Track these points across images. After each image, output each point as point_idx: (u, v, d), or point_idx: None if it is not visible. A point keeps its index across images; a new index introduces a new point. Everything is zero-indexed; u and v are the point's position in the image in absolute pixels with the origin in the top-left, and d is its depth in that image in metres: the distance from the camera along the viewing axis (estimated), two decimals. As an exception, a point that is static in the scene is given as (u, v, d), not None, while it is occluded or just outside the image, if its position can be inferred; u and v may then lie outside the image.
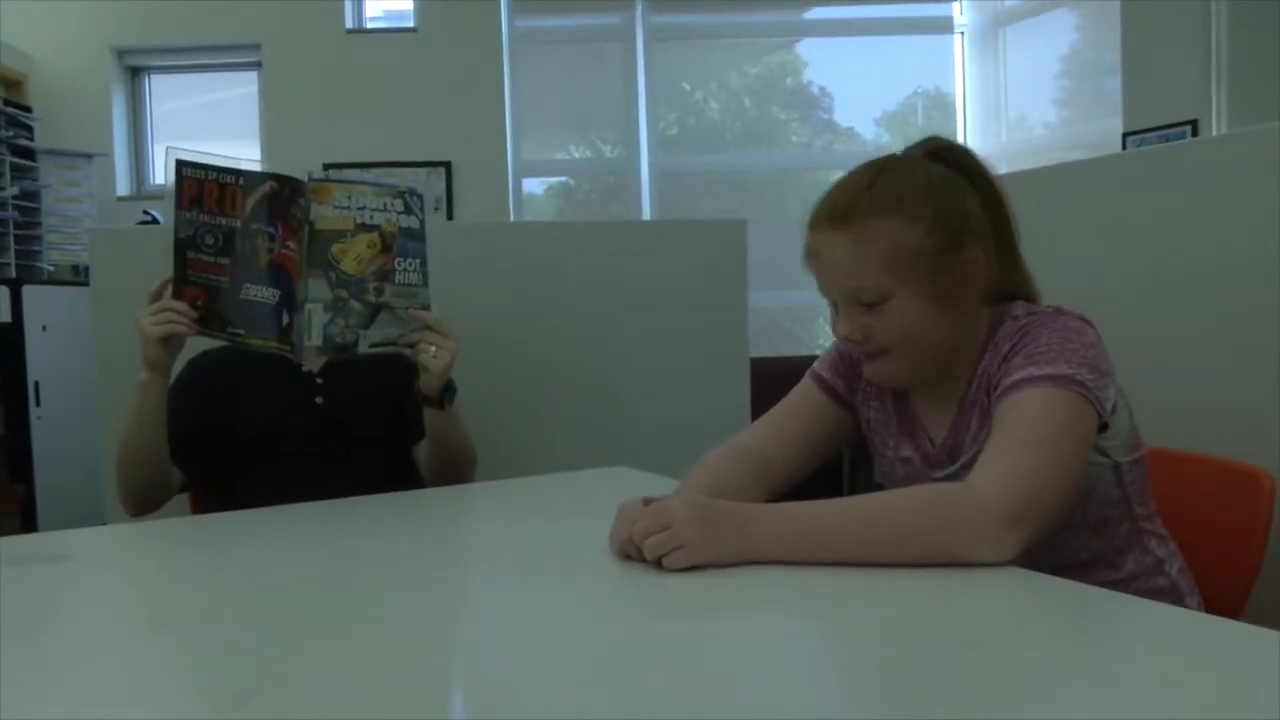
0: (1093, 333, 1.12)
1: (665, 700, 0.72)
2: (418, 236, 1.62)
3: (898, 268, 1.10)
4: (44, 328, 3.76)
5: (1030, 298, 1.21)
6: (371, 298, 1.59)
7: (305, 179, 1.57)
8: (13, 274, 3.98)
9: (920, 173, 1.14)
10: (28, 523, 3.61)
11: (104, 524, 1.97)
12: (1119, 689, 0.70)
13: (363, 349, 1.60)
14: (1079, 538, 1.13)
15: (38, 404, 3.70)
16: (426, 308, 1.63)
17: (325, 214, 1.56)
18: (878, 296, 1.11)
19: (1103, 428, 1.08)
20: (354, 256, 1.57)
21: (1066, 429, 1.03)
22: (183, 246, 1.56)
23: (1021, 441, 1.02)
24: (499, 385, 2.31)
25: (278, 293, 1.56)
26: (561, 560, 1.15)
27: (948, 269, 1.11)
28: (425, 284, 1.63)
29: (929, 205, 1.10)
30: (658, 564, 1.01)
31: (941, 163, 1.16)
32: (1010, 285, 1.19)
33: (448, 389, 1.67)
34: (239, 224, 1.56)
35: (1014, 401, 1.05)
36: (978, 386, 1.15)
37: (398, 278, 1.60)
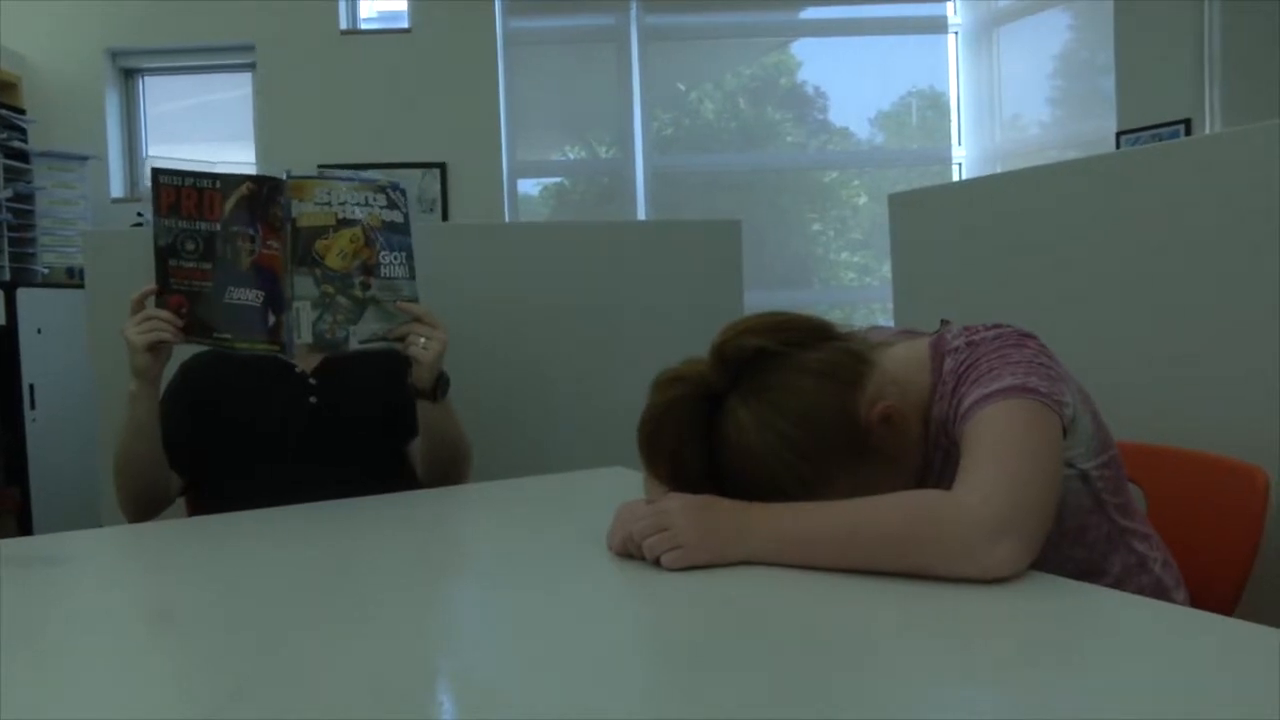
0: (1034, 343, 1.11)
1: (662, 699, 0.72)
2: (402, 230, 1.63)
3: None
4: (39, 330, 3.76)
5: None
6: (358, 293, 1.59)
7: (284, 177, 1.57)
8: (7, 277, 3.96)
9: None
10: (23, 525, 3.60)
11: (99, 526, 1.97)
12: (1113, 686, 0.70)
13: (353, 345, 1.60)
14: (1061, 551, 1.10)
15: (33, 406, 3.69)
16: (414, 300, 1.63)
17: (306, 210, 1.56)
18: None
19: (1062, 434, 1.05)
20: (337, 252, 1.58)
21: (1032, 434, 1.01)
22: (163, 254, 1.57)
23: (992, 454, 0.99)
24: (494, 385, 2.31)
25: (262, 294, 1.57)
26: (558, 560, 1.15)
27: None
28: (412, 277, 1.64)
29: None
30: (656, 563, 1.01)
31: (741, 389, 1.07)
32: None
33: (440, 381, 1.67)
34: (218, 228, 1.56)
35: (973, 424, 1.03)
36: (936, 431, 1.12)
37: (383, 272, 1.61)
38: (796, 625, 0.86)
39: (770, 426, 1.03)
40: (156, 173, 1.57)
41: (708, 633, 0.87)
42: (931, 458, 1.13)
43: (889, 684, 0.74)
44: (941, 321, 1.21)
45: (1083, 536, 1.13)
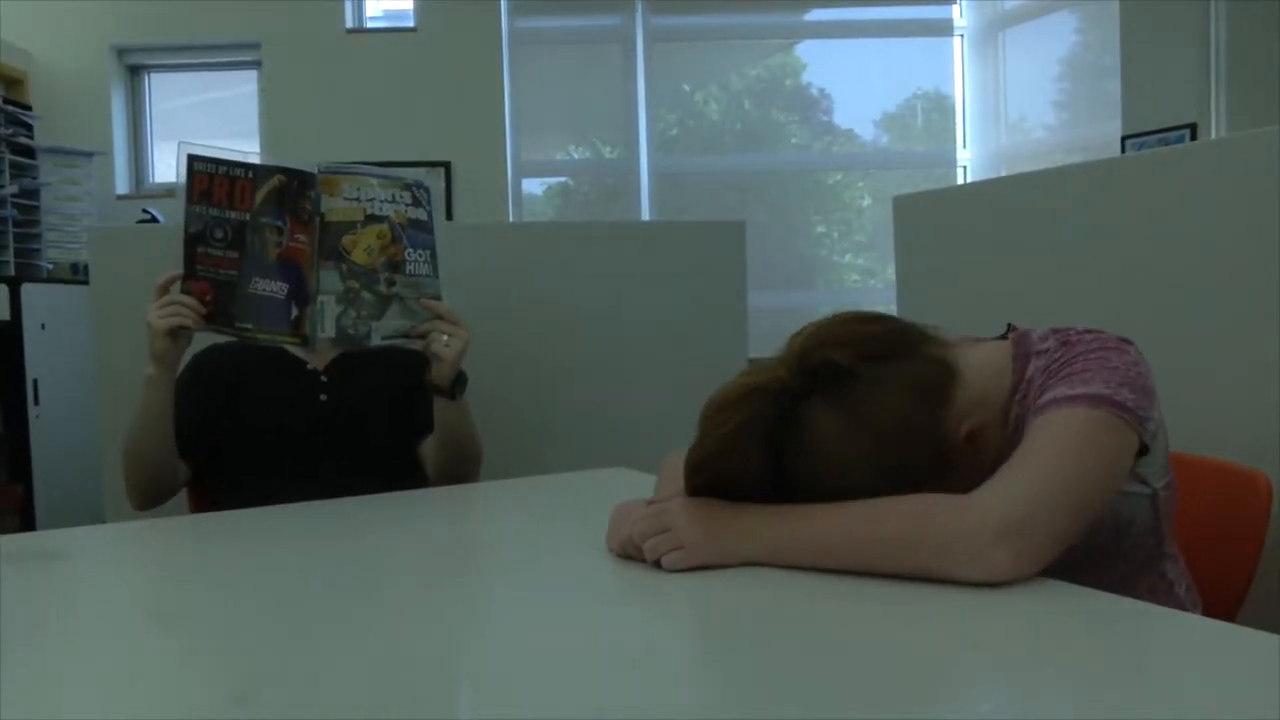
0: (1134, 350, 1.07)
1: (664, 700, 0.72)
2: (426, 228, 1.64)
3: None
4: (43, 326, 3.76)
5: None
6: (383, 289, 1.60)
7: (315, 171, 1.58)
8: (12, 272, 3.97)
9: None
10: (26, 522, 3.60)
11: (103, 523, 1.97)
12: (1116, 691, 0.70)
13: (375, 341, 1.61)
14: (1104, 568, 1.05)
15: (36, 402, 3.69)
16: (437, 298, 1.64)
17: (335, 205, 1.57)
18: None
19: (1142, 451, 1.02)
20: (364, 248, 1.59)
21: (1091, 446, 0.97)
22: (193, 241, 1.57)
23: (1035, 458, 0.96)
24: (498, 386, 2.31)
25: (286, 286, 1.57)
26: (561, 560, 1.15)
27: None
28: (435, 274, 1.64)
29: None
30: (656, 564, 1.01)
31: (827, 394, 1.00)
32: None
33: (459, 379, 1.68)
34: (248, 218, 1.57)
35: (1039, 421, 1.00)
36: (1014, 430, 1.08)
37: (408, 269, 1.61)
38: (799, 627, 0.86)
39: (853, 442, 0.98)
40: (192, 159, 1.57)
41: (709, 634, 0.87)
42: (1006, 457, 1.09)
43: (892, 686, 0.74)
44: (1009, 326, 1.19)
45: (1134, 554, 1.11)
